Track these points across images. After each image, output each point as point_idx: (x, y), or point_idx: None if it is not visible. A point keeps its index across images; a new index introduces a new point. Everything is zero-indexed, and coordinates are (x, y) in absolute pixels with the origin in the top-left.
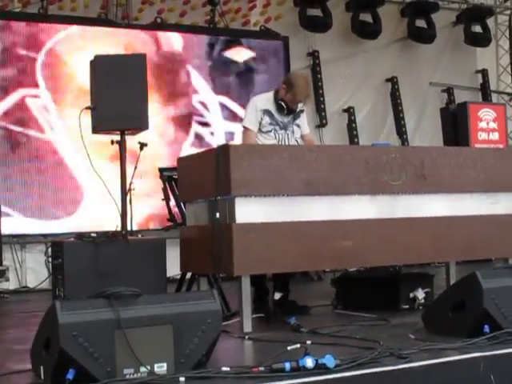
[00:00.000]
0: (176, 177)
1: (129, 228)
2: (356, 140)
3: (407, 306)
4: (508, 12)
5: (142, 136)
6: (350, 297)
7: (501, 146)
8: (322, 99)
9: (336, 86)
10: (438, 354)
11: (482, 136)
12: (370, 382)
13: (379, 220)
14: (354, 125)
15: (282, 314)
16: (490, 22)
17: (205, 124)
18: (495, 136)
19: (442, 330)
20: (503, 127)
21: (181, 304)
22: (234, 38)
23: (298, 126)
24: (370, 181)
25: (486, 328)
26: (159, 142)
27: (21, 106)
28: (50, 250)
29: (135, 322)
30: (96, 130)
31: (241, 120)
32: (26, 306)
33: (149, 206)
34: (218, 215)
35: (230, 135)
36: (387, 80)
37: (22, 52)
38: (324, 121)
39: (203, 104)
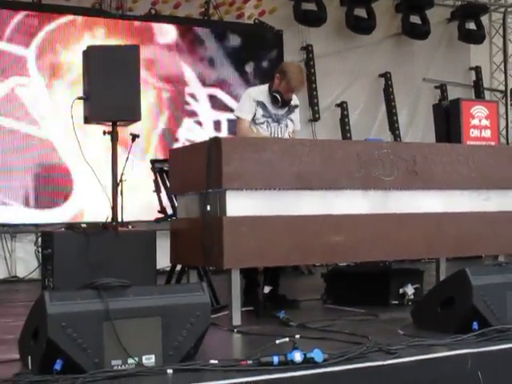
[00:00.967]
0: (167, 168)
1: (120, 219)
2: (348, 135)
3: (397, 302)
4: (502, 10)
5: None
6: (339, 291)
7: (493, 143)
8: (315, 93)
9: (329, 80)
10: (426, 349)
11: (474, 133)
12: (357, 377)
13: (371, 215)
14: (346, 119)
15: (272, 307)
16: (485, 19)
17: (195, 116)
18: (487, 133)
19: (431, 325)
20: (495, 125)
21: (170, 296)
22: (228, 31)
23: (292, 120)
24: (362, 176)
25: (475, 325)
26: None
27: (11, 95)
28: (39, 240)
29: (124, 314)
30: (88, 120)
31: (232, 111)
32: (14, 296)
33: (139, 197)
34: (208, 208)
35: (218, 126)
36: (380, 75)
37: (15, 41)
38: (317, 115)
39: (193, 96)
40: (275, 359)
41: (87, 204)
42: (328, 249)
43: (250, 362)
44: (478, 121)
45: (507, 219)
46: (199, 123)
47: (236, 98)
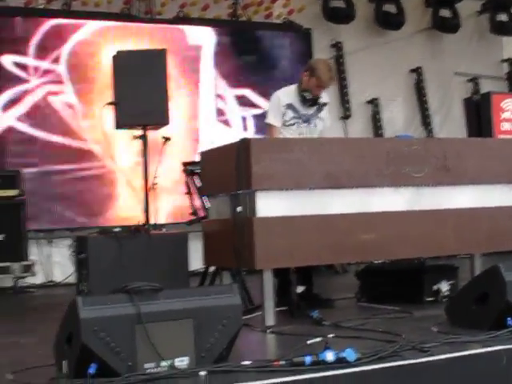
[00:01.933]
0: (198, 171)
1: (152, 222)
2: (380, 132)
3: (431, 299)
4: None
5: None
6: (373, 289)
7: None
8: (345, 91)
9: (360, 77)
10: (459, 347)
11: (505, 126)
12: (390, 376)
13: (402, 212)
14: (378, 116)
15: (306, 306)
16: None
17: (224, 116)
18: None
19: (465, 322)
20: None
21: (201, 298)
22: (257, 31)
23: (321, 119)
24: (391, 173)
25: (510, 321)
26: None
27: (43, 102)
28: (74, 244)
29: (156, 317)
30: (119, 125)
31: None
32: (52, 301)
33: (172, 200)
34: (239, 209)
35: (248, 127)
36: (412, 71)
37: (45, 49)
38: (348, 112)
39: (222, 97)
40: (307, 359)
41: (120, 208)
42: (360, 247)
43: (282, 362)
44: (510, 113)
45: None
46: (228, 124)
47: (265, 97)
